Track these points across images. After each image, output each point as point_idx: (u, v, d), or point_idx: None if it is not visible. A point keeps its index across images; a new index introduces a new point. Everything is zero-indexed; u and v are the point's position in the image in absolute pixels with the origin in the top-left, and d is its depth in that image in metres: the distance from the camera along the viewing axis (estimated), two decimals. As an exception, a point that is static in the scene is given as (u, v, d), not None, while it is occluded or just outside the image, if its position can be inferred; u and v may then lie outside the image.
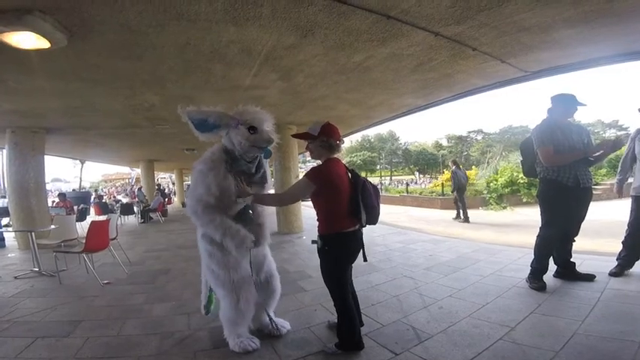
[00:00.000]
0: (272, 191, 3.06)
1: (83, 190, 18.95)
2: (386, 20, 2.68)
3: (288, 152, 7.20)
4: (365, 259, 2.20)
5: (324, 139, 2.11)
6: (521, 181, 12.04)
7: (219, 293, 2.28)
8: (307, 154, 2.42)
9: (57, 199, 9.41)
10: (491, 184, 13.00)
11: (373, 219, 2.15)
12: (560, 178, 2.92)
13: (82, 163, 14.23)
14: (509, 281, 3.24)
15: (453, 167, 9.40)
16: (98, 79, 3.77)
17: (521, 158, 3.39)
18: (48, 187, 10.75)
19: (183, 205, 17.17)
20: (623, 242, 3.19)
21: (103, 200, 13.97)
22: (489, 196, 12.61)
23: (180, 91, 4.25)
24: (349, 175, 2.17)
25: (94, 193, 17.64)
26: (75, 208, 9.20)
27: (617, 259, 3.19)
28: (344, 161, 2.87)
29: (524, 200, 12.11)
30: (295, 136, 2.32)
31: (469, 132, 47.01)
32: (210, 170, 2.16)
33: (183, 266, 4.64)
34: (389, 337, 2.30)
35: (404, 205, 14.58)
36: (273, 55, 3.33)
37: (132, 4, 2.32)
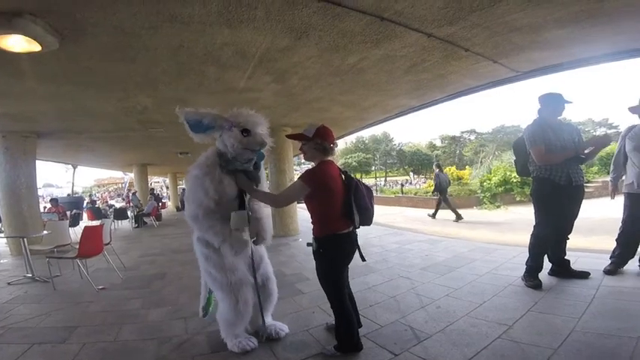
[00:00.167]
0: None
1: (76, 195, 18.73)
2: (380, 22, 2.69)
3: (283, 155, 7.18)
4: (363, 259, 2.22)
5: (318, 142, 2.12)
6: (515, 180, 12.13)
7: (218, 295, 2.28)
8: (302, 156, 2.42)
9: (49, 205, 9.29)
10: (485, 183, 13.10)
11: (367, 220, 2.15)
12: (552, 177, 2.96)
13: (74, 167, 14.06)
14: (505, 280, 3.26)
15: (437, 170, 9.78)
16: (90, 81, 3.73)
17: (514, 157, 3.42)
18: (40, 192, 10.60)
19: (178, 209, 17.04)
20: (616, 240, 3.22)
21: (96, 205, 13.82)
22: (483, 195, 12.69)
23: (174, 93, 4.20)
24: (342, 177, 2.18)
25: (87, 198, 17.41)
26: (67, 213, 9.09)
27: (610, 257, 3.22)
28: (338, 163, 2.88)
29: (518, 199, 12.21)
30: (290, 136, 2.33)
31: (462, 132, 47.20)
32: (205, 175, 2.15)
33: (179, 270, 4.60)
34: (387, 338, 2.30)
35: (399, 206, 14.59)
36: (267, 57, 3.33)
37: (126, 6, 2.30)
